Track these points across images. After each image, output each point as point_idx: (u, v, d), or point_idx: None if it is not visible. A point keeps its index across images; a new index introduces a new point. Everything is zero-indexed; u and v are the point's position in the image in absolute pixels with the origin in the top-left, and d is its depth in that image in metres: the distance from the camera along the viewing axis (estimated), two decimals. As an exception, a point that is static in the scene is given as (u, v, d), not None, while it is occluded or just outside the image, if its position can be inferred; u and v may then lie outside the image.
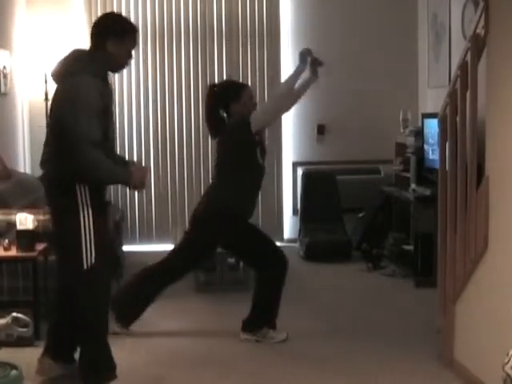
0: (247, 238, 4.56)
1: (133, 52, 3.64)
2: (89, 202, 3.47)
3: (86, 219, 3.47)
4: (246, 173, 4.41)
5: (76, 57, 3.56)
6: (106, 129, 3.53)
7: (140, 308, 4.60)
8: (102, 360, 3.71)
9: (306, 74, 4.52)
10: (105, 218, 3.65)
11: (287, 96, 4.47)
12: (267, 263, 4.57)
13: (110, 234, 3.73)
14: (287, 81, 4.61)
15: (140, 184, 3.61)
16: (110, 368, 3.71)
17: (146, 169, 3.83)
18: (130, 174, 3.55)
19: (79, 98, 3.38)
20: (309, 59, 4.49)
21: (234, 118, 4.45)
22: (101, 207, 3.59)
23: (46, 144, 3.62)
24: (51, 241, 3.91)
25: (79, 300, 3.63)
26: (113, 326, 4.42)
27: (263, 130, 4.55)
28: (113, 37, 3.51)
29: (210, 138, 7.26)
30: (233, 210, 4.41)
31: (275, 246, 4.74)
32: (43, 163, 3.62)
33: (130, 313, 4.59)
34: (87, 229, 3.48)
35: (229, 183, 4.43)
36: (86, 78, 3.42)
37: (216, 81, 7.29)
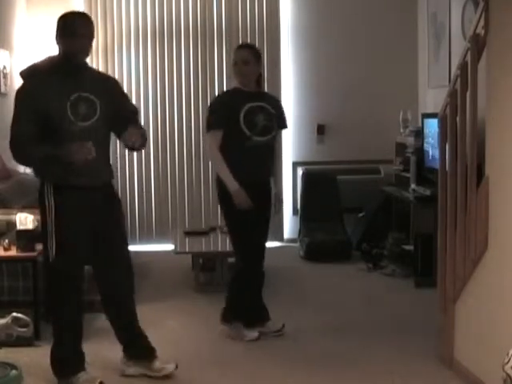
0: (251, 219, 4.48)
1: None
2: (52, 201, 3.67)
3: (51, 216, 3.68)
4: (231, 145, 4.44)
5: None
6: (61, 119, 3.62)
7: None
8: (66, 353, 3.85)
9: None
10: (75, 219, 3.69)
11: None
12: (251, 258, 4.55)
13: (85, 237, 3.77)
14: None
15: (78, 160, 3.61)
16: (75, 360, 3.84)
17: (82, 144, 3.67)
18: (68, 151, 3.59)
19: (15, 100, 3.69)
20: None
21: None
22: (70, 208, 3.68)
23: None
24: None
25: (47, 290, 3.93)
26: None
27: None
28: (60, 36, 3.71)
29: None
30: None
31: (262, 255, 4.69)
32: None
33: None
34: (50, 225, 3.68)
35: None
36: (26, 82, 3.73)
37: (216, 81, 7.33)
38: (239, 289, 4.63)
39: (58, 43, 3.72)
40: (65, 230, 3.68)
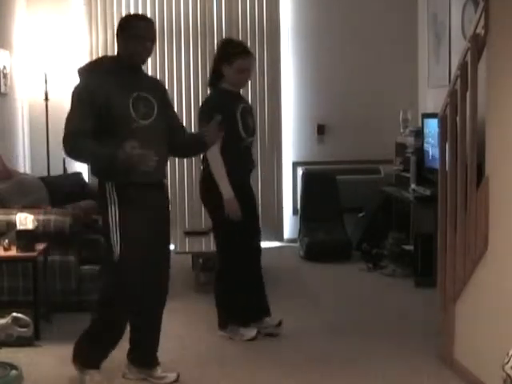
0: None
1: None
2: (115, 199, 3.63)
3: (113, 214, 3.64)
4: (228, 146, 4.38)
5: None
6: (123, 116, 3.62)
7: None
8: (96, 347, 3.82)
9: None
10: (139, 214, 3.66)
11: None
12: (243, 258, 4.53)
13: (153, 233, 3.72)
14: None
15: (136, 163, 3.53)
16: (98, 357, 3.83)
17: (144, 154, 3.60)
18: (120, 155, 3.51)
19: (72, 96, 3.68)
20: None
21: (224, 82, 4.46)
22: (133, 204, 3.65)
23: None
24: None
25: (105, 286, 3.88)
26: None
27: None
28: (122, 37, 3.74)
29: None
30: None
31: (259, 254, 4.68)
32: None
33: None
34: (114, 223, 3.63)
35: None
36: (85, 79, 3.72)
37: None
38: (225, 290, 4.60)
39: (117, 43, 3.76)
40: (131, 227, 3.64)
